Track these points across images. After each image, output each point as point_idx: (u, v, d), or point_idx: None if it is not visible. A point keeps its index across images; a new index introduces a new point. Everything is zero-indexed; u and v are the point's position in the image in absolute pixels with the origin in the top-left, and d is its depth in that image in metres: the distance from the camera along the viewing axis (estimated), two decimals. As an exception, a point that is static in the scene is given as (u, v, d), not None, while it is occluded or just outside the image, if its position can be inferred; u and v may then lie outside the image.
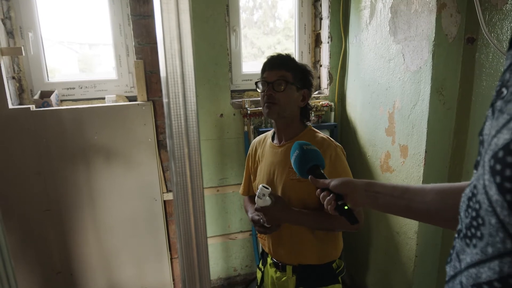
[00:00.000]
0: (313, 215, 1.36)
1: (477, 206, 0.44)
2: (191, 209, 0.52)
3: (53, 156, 1.92)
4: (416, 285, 1.84)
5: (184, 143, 0.50)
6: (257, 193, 1.34)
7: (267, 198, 1.32)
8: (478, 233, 0.44)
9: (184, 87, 0.48)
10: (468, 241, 0.47)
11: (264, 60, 1.44)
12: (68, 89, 2.07)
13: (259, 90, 1.43)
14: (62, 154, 1.93)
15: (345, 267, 1.53)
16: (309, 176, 1.02)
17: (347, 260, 2.44)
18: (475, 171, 0.48)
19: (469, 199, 0.48)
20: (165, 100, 0.49)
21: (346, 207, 0.90)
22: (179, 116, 0.48)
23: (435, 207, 0.77)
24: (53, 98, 1.93)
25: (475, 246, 0.45)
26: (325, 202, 0.94)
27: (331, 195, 0.92)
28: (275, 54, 1.43)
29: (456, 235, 0.52)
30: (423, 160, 1.68)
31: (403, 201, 0.81)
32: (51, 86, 2.03)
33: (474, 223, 0.45)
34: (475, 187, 0.46)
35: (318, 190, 0.98)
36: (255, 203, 1.43)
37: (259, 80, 1.42)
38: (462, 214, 0.50)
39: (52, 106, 1.91)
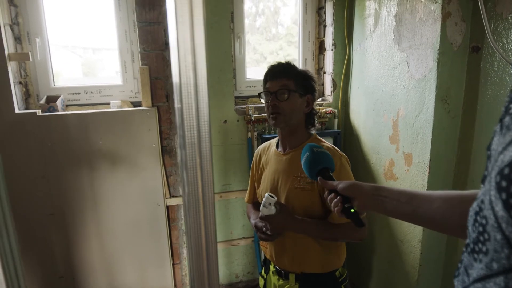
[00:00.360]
0: (317, 225, 1.37)
1: (483, 221, 0.45)
2: (202, 219, 0.52)
3: (58, 161, 1.93)
4: (420, 293, 1.83)
5: (196, 153, 0.50)
6: (262, 202, 1.34)
7: (273, 207, 1.32)
8: (484, 248, 0.44)
9: (197, 98, 0.48)
10: (475, 255, 0.47)
11: (266, 67, 1.44)
12: (73, 94, 2.08)
13: (262, 101, 1.44)
14: (67, 158, 1.94)
15: (348, 276, 1.53)
16: (318, 177, 1.02)
17: (350, 269, 2.43)
18: (482, 186, 0.48)
19: (477, 213, 0.48)
20: (177, 106, 0.50)
21: (352, 210, 0.90)
22: (192, 127, 0.49)
23: (442, 215, 0.77)
24: (59, 103, 1.94)
25: (481, 261, 0.45)
26: (332, 204, 0.95)
27: (338, 197, 0.93)
28: (275, 63, 1.44)
29: (464, 249, 0.52)
30: (428, 169, 1.68)
31: (410, 207, 0.82)
32: (57, 91, 2.04)
33: (481, 238, 0.45)
34: (482, 202, 0.46)
35: (326, 192, 0.98)
36: (259, 210, 1.43)
37: (262, 91, 1.43)
38: (470, 228, 0.50)
39: (58, 111, 1.92)
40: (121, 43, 2.08)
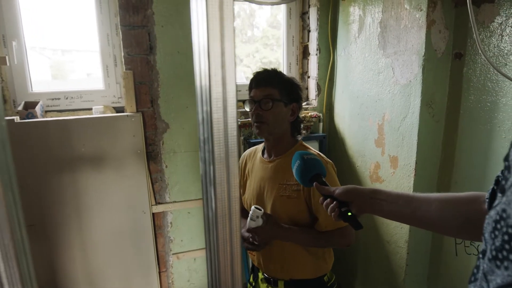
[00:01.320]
0: (304, 233, 1.37)
1: (510, 230, 0.46)
2: (228, 235, 0.51)
3: (38, 169, 1.85)
4: (407, 293, 1.88)
5: (224, 168, 0.49)
6: (250, 215, 1.34)
7: (260, 219, 1.33)
8: (511, 256, 0.46)
9: (226, 113, 0.47)
10: (498, 263, 0.48)
11: (248, 73, 1.44)
12: (53, 99, 2.00)
13: (247, 109, 1.42)
14: (47, 167, 1.86)
15: (337, 280, 1.55)
16: (314, 183, 1.03)
17: (338, 272, 2.45)
18: (500, 195, 0.50)
19: (496, 221, 0.49)
20: (204, 122, 0.49)
21: (349, 214, 0.91)
22: (220, 142, 0.48)
23: (439, 216, 0.80)
24: (38, 109, 1.87)
25: (506, 268, 0.47)
26: (329, 210, 0.95)
27: (334, 202, 0.94)
28: (261, 70, 1.42)
29: (481, 256, 0.54)
30: (414, 171, 1.73)
31: (408, 209, 0.84)
32: (35, 97, 1.96)
33: (507, 246, 0.47)
34: (504, 211, 0.48)
35: (321, 198, 0.99)
36: (245, 219, 1.43)
37: (246, 98, 1.42)
38: (486, 235, 0.52)
39: (37, 118, 1.84)
40: (102, 47, 2.02)
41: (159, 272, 2.22)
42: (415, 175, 1.73)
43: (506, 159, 0.52)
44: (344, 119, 2.25)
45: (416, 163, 1.71)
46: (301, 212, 1.37)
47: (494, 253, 0.50)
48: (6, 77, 1.89)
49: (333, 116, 2.37)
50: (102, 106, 2.02)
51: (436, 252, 1.84)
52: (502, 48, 1.43)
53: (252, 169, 1.51)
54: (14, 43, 1.87)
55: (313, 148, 1.46)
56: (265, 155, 1.48)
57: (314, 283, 1.45)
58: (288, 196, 1.37)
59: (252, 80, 1.41)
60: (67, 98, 2.02)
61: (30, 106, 1.88)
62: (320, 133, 2.36)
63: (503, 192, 0.50)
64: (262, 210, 1.34)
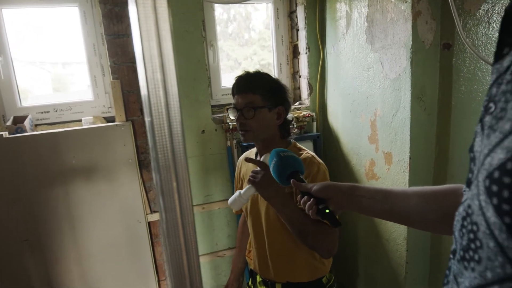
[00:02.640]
0: (297, 211, 1.23)
1: (474, 227, 0.43)
2: (183, 247, 0.48)
3: (29, 183, 1.84)
4: (409, 291, 1.84)
5: (172, 177, 0.46)
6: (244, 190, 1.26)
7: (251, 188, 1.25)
8: (476, 256, 0.43)
9: (169, 117, 0.45)
10: (466, 264, 0.45)
11: (240, 74, 1.40)
12: (42, 113, 1.99)
13: (231, 117, 1.39)
14: (39, 180, 1.85)
15: (336, 280, 1.51)
16: (291, 180, 0.99)
17: (338, 271, 2.43)
18: (467, 189, 0.47)
19: (463, 219, 0.46)
20: (149, 132, 0.46)
21: (327, 211, 0.88)
22: (166, 149, 0.45)
23: (417, 211, 0.77)
24: (27, 123, 1.86)
25: (473, 269, 0.43)
26: (306, 207, 0.92)
27: (312, 199, 0.90)
28: (242, 74, 1.37)
29: (452, 256, 0.50)
30: (408, 166, 1.69)
31: (386, 205, 0.81)
32: (24, 111, 1.95)
33: (472, 245, 0.43)
34: (469, 206, 0.44)
35: (299, 195, 0.96)
36: (248, 230, 1.43)
37: (230, 106, 1.38)
38: (456, 234, 0.49)
39: (27, 132, 1.83)
40: (89, 57, 2.01)
41: (159, 281, 2.20)
42: (409, 170, 1.69)
43: (471, 150, 0.48)
44: (337, 117, 2.22)
45: (410, 158, 1.68)
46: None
47: (461, 253, 0.47)
48: (-6, 92, 1.88)
49: (326, 114, 2.34)
50: (92, 117, 2.01)
51: (436, 248, 1.80)
52: (490, 35, 1.39)
53: (246, 173, 1.49)
54: (0, 58, 1.87)
55: (307, 149, 1.43)
56: (258, 158, 1.46)
57: (312, 286, 1.42)
58: None
59: (233, 86, 1.37)
60: (56, 111, 2.01)
61: (19, 120, 1.88)
62: (314, 132, 2.33)
63: (469, 185, 0.46)
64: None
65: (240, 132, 1.35)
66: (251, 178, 1.24)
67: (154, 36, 0.43)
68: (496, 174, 0.38)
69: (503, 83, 0.41)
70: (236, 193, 1.24)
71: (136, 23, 0.43)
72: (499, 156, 0.38)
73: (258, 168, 1.25)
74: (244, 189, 1.24)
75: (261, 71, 1.39)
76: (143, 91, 0.43)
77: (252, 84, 1.33)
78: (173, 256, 0.48)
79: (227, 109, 1.39)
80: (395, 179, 1.78)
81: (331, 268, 1.48)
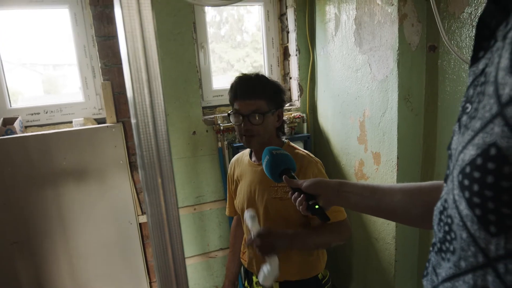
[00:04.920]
0: (308, 232, 1.34)
1: (449, 220, 0.45)
2: (168, 243, 0.50)
3: (19, 185, 1.83)
4: (397, 290, 1.86)
5: (157, 173, 0.48)
6: (247, 220, 1.31)
7: (255, 218, 1.30)
8: (451, 247, 0.45)
9: (154, 116, 0.46)
10: (443, 255, 0.47)
11: (233, 75, 1.39)
12: (32, 114, 1.99)
13: (232, 122, 1.37)
14: (29, 182, 1.84)
15: (331, 277, 1.54)
16: (283, 176, 1.02)
17: (329, 271, 2.44)
18: (445, 185, 0.49)
19: (441, 212, 0.48)
20: (134, 129, 0.48)
21: (317, 206, 0.90)
22: (151, 147, 0.47)
23: (402, 207, 0.79)
24: (16, 125, 1.85)
25: (449, 260, 0.46)
26: (297, 203, 0.95)
27: (302, 195, 0.93)
28: (243, 77, 1.35)
29: (431, 248, 0.53)
30: (396, 166, 1.72)
31: (373, 201, 0.84)
32: (14, 112, 1.95)
33: (448, 237, 0.46)
34: (445, 201, 0.47)
35: (290, 192, 0.98)
36: (242, 230, 1.47)
37: (231, 112, 1.36)
38: (435, 227, 0.51)
39: (16, 133, 1.83)
40: (80, 59, 2.01)
41: (150, 282, 2.20)
42: (397, 170, 1.72)
43: (448, 147, 0.51)
44: (327, 118, 2.24)
45: (397, 158, 1.71)
46: (295, 212, 1.36)
47: (439, 245, 0.49)
48: (-17, 94, 1.88)
49: (316, 115, 2.36)
50: (83, 119, 2.01)
51: (425, 246, 1.83)
52: (473, 38, 1.42)
53: (242, 174, 1.50)
54: (-11, 60, 1.86)
55: (301, 149, 1.45)
56: (253, 158, 1.47)
57: (309, 283, 1.44)
58: (281, 198, 1.35)
59: (235, 91, 1.34)
60: (46, 112, 2.01)
61: (8, 122, 1.87)
62: (305, 133, 2.36)
63: (446, 181, 0.49)
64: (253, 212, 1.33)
65: (244, 137, 1.34)
66: (263, 250, 1.24)
67: (138, 37, 0.45)
68: (468, 169, 0.40)
69: (478, 84, 0.44)
70: (263, 270, 1.22)
71: (121, 24, 0.44)
72: (470, 152, 0.40)
73: (253, 235, 1.26)
74: (266, 264, 1.22)
75: (259, 74, 1.38)
76: (128, 89, 0.45)
77: (257, 88, 1.32)
78: (159, 250, 0.49)
79: (229, 115, 1.37)
80: (383, 179, 1.81)
81: (325, 266, 1.50)
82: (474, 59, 0.47)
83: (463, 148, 0.42)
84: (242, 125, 1.33)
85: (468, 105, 0.45)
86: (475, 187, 0.39)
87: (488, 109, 0.38)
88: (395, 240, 1.80)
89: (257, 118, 1.30)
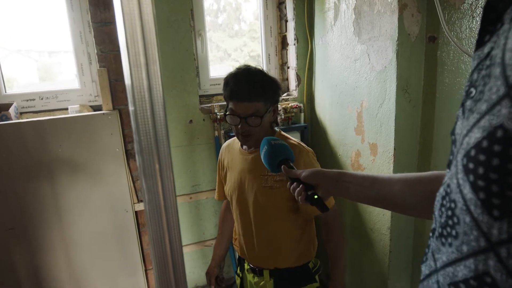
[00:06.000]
0: (339, 257, 1.46)
1: (452, 205, 0.45)
2: (165, 230, 0.49)
3: (14, 172, 1.82)
4: (392, 280, 1.88)
5: (155, 159, 0.47)
6: None
7: None
8: (454, 232, 0.45)
9: (151, 101, 0.46)
10: (444, 240, 0.47)
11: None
12: (27, 100, 1.97)
13: (229, 122, 1.35)
14: (24, 169, 1.83)
15: (322, 265, 1.55)
16: (282, 166, 1.01)
17: (323, 260, 2.46)
18: (448, 170, 0.49)
19: (443, 198, 0.48)
20: (132, 114, 0.47)
21: (316, 196, 0.90)
22: (149, 132, 0.46)
23: (401, 197, 0.79)
24: (11, 110, 1.83)
25: (450, 245, 0.46)
26: (295, 193, 0.94)
27: (301, 185, 0.93)
28: (239, 73, 1.30)
29: (431, 234, 0.53)
30: (393, 157, 1.72)
31: (372, 191, 0.84)
32: (9, 98, 1.93)
33: (450, 222, 0.46)
34: (448, 186, 0.46)
35: (289, 182, 0.98)
36: (230, 212, 1.44)
37: (228, 113, 1.32)
38: (436, 213, 0.51)
39: (11, 119, 1.81)
40: (76, 45, 1.99)
41: (146, 270, 2.21)
42: (394, 161, 1.72)
43: (452, 133, 0.50)
44: (325, 109, 2.24)
45: (394, 149, 1.71)
46: (286, 200, 1.36)
47: (440, 230, 0.49)
48: (-23, 79, 1.85)
49: (314, 106, 2.36)
50: (78, 106, 1.99)
51: (419, 237, 1.84)
52: (473, 29, 1.41)
53: (232, 161, 1.50)
54: (-17, 45, 1.83)
55: (294, 138, 1.45)
56: (244, 147, 1.46)
57: (299, 271, 1.46)
58: (271, 187, 1.35)
59: (232, 91, 1.29)
60: (42, 99, 1.99)
61: (3, 108, 1.85)
62: (302, 123, 2.35)
63: (449, 166, 0.48)
64: None
65: (242, 137, 1.34)
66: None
67: (137, 20, 0.44)
68: (473, 152, 0.39)
69: (483, 68, 0.43)
70: None
71: (119, 7, 0.43)
72: (476, 135, 0.39)
73: None
74: None
75: (257, 69, 1.33)
76: (126, 74, 0.44)
77: (256, 92, 1.28)
78: (156, 237, 0.49)
79: (225, 115, 1.34)
80: (380, 170, 1.82)
81: (317, 254, 1.51)
82: (479, 43, 0.47)
83: (468, 132, 0.42)
84: (240, 126, 1.31)
85: (472, 89, 0.45)
86: (480, 170, 0.38)
87: (495, 91, 0.38)
88: (390, 230, 1.81)
89: (255, 120, 1.29)
